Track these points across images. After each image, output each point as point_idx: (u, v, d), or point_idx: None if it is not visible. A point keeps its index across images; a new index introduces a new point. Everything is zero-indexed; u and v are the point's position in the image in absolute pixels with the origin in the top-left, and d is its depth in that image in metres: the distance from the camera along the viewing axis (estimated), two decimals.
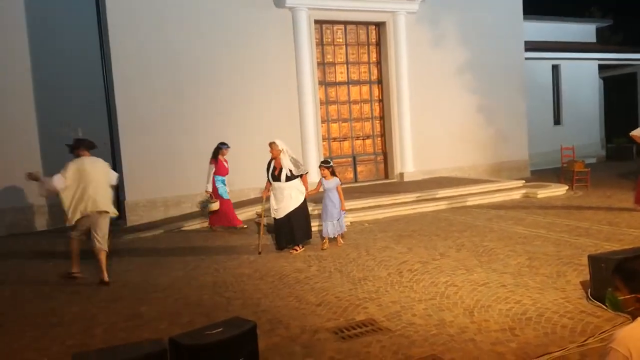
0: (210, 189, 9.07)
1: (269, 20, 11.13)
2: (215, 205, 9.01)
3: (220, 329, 3.33)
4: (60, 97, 10.59)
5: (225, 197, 9.15)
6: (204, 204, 9.75)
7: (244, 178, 10.91)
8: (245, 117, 10.97)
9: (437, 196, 10.15)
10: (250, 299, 5.26)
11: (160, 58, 10.23)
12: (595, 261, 4.58)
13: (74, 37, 10.63)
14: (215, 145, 9.19)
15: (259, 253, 7.20)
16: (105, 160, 10.73)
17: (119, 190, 10.76)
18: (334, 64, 12.26)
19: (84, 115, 10.73)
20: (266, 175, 7.39)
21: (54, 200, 10.59)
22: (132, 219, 10.06)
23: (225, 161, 9.24)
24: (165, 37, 10.24)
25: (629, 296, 2.12)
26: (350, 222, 8.80)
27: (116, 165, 10.70)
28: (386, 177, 12.73)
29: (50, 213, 10.64)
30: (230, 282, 5.94)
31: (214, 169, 9.09)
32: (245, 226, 9.23)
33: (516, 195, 10.73)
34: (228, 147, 9.23)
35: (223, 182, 9.20)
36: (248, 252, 7.38)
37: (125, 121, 10.03)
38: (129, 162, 10.05)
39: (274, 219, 7.39)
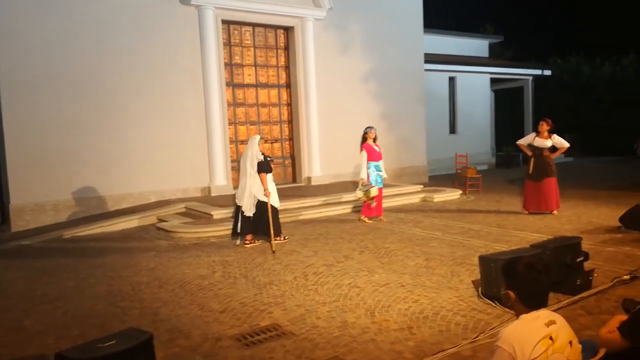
0: (364, 176, 8.82)
1: (174, 17, 10.75)
2: (375, 190, 8.76)
3: (113, 342, 3.12)
4: None
5: (379, 186, 8.89)
6: (364, 189, 8.87)
7: (145, 180, 10.46)
8: (149, 116, 10.51)
9: (343, 200, 10.36)
10: (148, 309, 5.01)
11: (52, 52, 9.50)
12: (485, 261, 4.88)
13: None
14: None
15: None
16: None
17: (2, 194, 9.88)
18: (242, 65, 12.12)
19: None
20: (268, 169, 7.63)
21: None
22: (18, 224, 9.24)
23: (377, 145, 9.01)
24: (59, 29, 9.53)
25: (504, 292, 2.36)
26: None
27: (0, 165, 9.80)
28: (294, 181, 12.79)
29: None
30: (126, 291, 5.63)
31: (366, 155, 8.85)
32: (385, 219, 9.07)
33: (415, 199, 11.25)
34: (372, 128, 9.02)
35: (376, 167, 8.92)
36: (147, 259, 7.04)
37: (10, 118, 9.18)
38: (15, 162, 9.22)
39: (275, 208, 7.66)
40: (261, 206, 7.55)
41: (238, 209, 7.65)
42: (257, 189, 7.54)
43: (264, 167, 7.53)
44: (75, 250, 7.84)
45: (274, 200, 7.68)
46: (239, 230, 7.63)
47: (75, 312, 5.01)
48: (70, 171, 9.69)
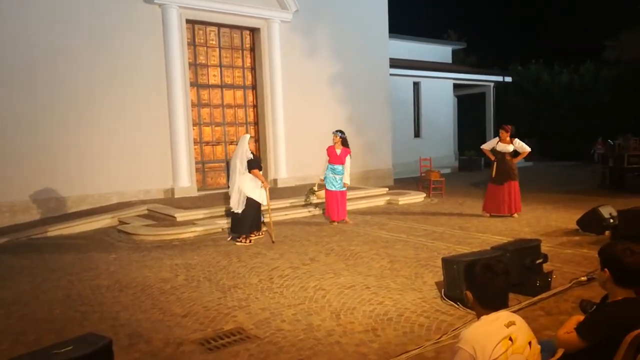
0: (322, 177, 9.18)
1: (137, 15, 10.54)
2: (320, 194, 9.33)
3: (70, 347, 3.01)
4: None
5: (329, 188, 9.03)
6: (308, 193, 9.81)
7: (106, 181, 10.20)
8: (110, 116, 10.25)
9: (309, 202, 10.33)
10: (108, 313, 4.87)
11: (6, 50, 9.15)
12: (448, 263, 4.94)
13: None
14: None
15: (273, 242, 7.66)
16: None
17: None
18: (206, 65, 11.98)
19: None
20: (259, 166, 7.95)
21: None
22: None
23: (342, 149, 9.10)
24: (13, 27, 9.20)
25: (464, 292, 2.44)
26: (222, 229, 8.64)
27: None
28: None
29: None
30: (85, 294, 5.46)
31: (327, 158, 9.21)
32: (350, 221, 9.18)
33: (381, 201, 11.35)
34: (335, 132, 9.19)
35: (332, 170, 9.03)
36: (107, 262, 6.86)
37: None
38: None
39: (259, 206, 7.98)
40: (250, 203, 7.78)
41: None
42: (245, 186, 7.76)
43: (253, 165, 7.81)
44: (33, 252, 7.56)
45: (258, 197, 7.94)
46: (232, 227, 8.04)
47: (31, 316, 4.83)
48: (27, 171, 9.36)
